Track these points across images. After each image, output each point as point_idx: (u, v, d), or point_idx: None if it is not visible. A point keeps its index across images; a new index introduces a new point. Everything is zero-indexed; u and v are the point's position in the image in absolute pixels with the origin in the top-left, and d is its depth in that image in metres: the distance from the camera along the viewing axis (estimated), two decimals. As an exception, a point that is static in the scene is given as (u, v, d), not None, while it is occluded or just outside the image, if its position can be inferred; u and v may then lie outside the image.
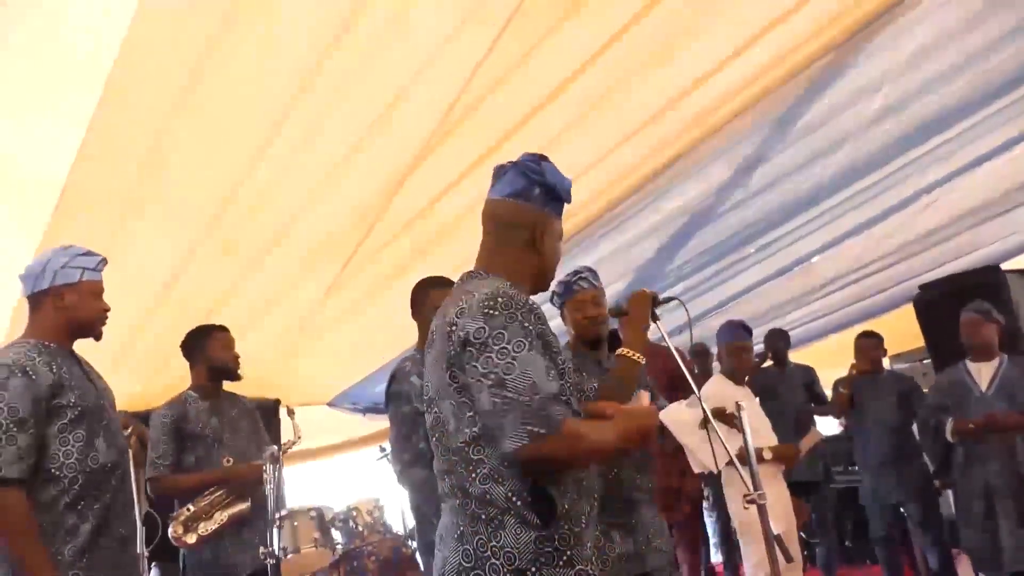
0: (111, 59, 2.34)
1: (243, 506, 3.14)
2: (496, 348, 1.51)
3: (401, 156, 3.45)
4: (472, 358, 1.53)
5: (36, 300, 2.36)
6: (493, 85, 3.10)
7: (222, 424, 3.29)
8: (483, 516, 1.53)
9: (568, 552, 1.54)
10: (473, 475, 1.55)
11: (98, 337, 2.43)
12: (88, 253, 2.39)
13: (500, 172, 1.77)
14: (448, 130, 3.32)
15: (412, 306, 3.00)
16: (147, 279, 3.75)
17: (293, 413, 3.17)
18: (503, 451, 1.50)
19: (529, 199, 1.72)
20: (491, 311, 1.54)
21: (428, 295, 2.88)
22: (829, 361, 6.97)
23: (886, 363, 5.33)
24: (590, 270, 2.69)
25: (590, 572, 1.57)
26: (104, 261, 2.42)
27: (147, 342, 4.20)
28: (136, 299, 3.79)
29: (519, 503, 1.52)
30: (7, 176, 2.85)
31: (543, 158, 1.74)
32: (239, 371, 3.39)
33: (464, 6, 2.68)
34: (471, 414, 1.55)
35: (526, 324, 1.54)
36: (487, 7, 2.72)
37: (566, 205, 1.82)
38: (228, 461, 3.22)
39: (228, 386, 3.47)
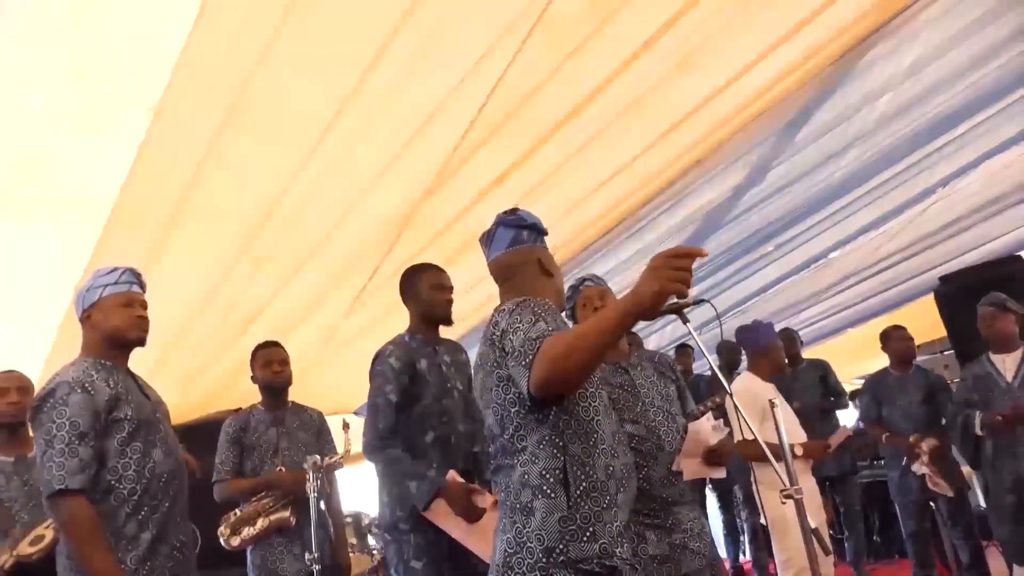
0: (162, 83, 2.44)
1: (284, 514, 3.24)
2: (513, 328, 1.75)
3: (429, 169, 3.55)
4: (507, 343, 1.76)
5: (82, 325, 2.47)
6: (520, 99, 3.19)
7: (279, 435, 3.41)
8: (518, 506, 1.72)
9: (591, 528, 1.68)
10: (515, 464, 1.75)
11: (141, 343, 2.48)
12: (112, 271, 2.46)
13: (487, 237, 2.06)
14: (477, 142, 3.41)
15: (402, 290, 3.04)
16: (186, 292, 3.86)
17: (348, 427, 3.26)
18: (525, 397, 1.71)
19: (524, 242, 2.02)
20: (516, 307, 1.81)
21: (420, 277, 2.98)
22: (848, 356, 7.00)
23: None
24: (594, 275, 2.87)
25: (615, 550, 1.69)
26: (127, 271, 2.47)
27: (185, 354, 4.31)
28: (176, 312, 3.89)
29: (551, 479, 1.69)
30: (58, 196, 2.96)
31: (515, 209, 2.05)
32: (282, 384, 3.48)
33: (493, 23, 2.77)
34: (511, 397, 1.76)
35: (536, 309, 1.78)
36: (515, 25, 2.80)
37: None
38: (281, 469, 3.34)
39: (293, 395, 3.59)
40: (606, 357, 2.58)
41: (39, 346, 3.61)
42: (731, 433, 3.32)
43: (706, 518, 5.66)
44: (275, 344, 3.54)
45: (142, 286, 2.51)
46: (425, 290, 2.95)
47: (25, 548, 2.52)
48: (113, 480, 2.29)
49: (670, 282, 1.52)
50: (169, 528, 2.38)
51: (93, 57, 2.41)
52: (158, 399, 2.58)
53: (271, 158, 3.13)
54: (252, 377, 3.51)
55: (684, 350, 6.08)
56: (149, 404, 2.47)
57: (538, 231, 2.04)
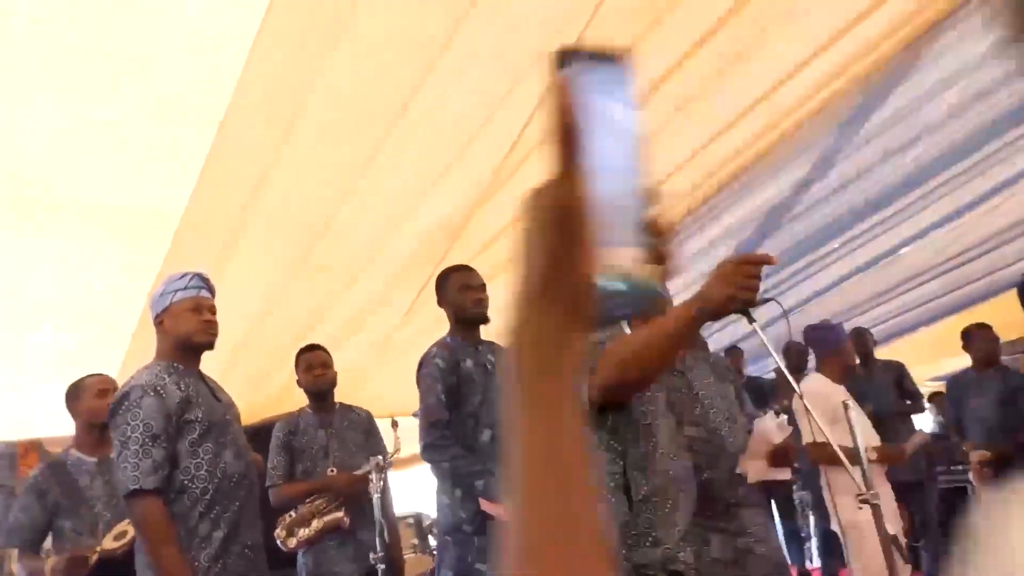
0: (225, 100, 2.52)
1: (338, 515, 3.26)
2: None
3: (480, 178, 3.56)
4: None
5: (156, 329, 2.54)
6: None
7: (329, 437, 3.43)
8: None
9: (653, 533, 1.66)
10: None
11: (209, 347, 2.54)
12: (182, 276, 2.52)
13: None
14: (528, 150, 3.41)
15: (436, 294, 3.08)
16: (249, 300, 3.96)
17: (396, 425, 3.28)
18: (586, 406, 1.64)
19: None
20: None
21: (448, 279, 3.01)
22: (920, 356, 6.73)
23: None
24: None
25: (678, 555, 1.68)
26: (196, 276, 2.53)
27: (250, 359, 4.42)
28: (240, 319, 4.00)
29: (611, 485, 1.67)
30: (130, 208, 3.08)
31: None
32: (325, 386, 3.48)
33: (544, 27, 2.76)
34: None
35: None
36: (565, 27, 2.79)
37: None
38: (332, 471, 3.35)
39: (341, 397, 3.60)
40: None
41: (115, 352, 3.75)
42: (799, 435, 3.22)
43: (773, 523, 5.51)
44: (317, 347, 3.55)
45: (211, 290, 2.57)
46: (453, 292, 2.98)
47: (109, 543, 2.61)
48: (186, 480, 2.35)
49: (740, 289, 1.50)
50: (240, 528, 2.43)
51: (160, 76, 2.51)
52: (230, 402, 2.63)
53: (328, 170, 3.21)
54: (297, 381, 3.53)
55: (735, 352, 5.91)
56: (220, 407, 2.53)
57: None
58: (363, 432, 3.56)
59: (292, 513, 3.31)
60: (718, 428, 2.56)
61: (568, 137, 0.51)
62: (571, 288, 0.50)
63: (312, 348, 3.54)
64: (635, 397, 1.75)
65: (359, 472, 3.20)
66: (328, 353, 3.56)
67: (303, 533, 3.26)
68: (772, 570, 2.53)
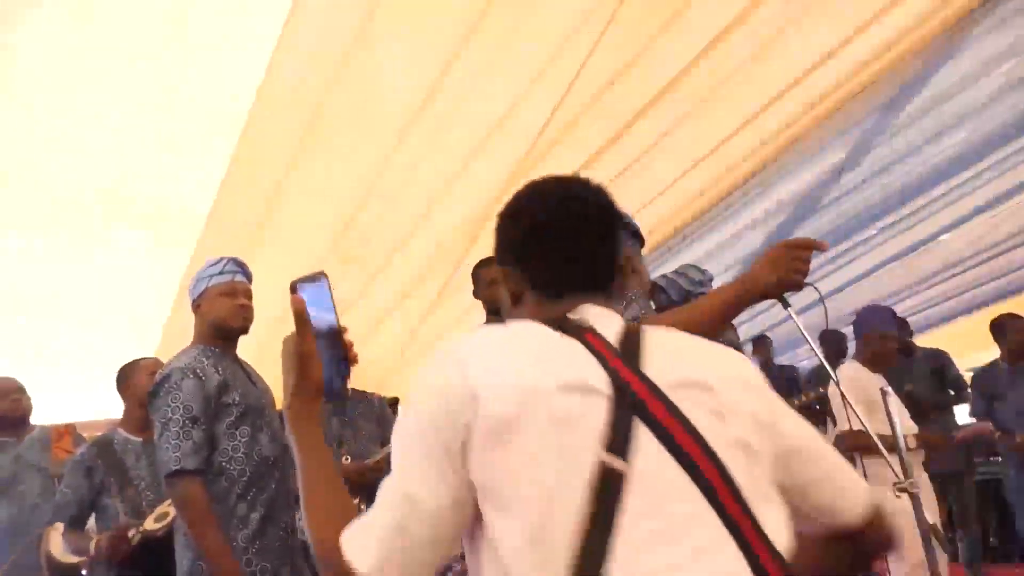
0: (249, 100, 2.56)
1: (353, 503, 3.26)
2: None
3: (505, 169, 3.56)
4: None
5: (194, 314, 2.58)
6: (598, 89, 3.15)
7: (343, 426, 3.44)
8: None
9: None
10: None
11: (244, 331, 2.56)
12: (217, 261, 2.55)
13: None
14: (553, 140, 3.40)
15: (473, 284, 3.07)
16: (277, 295, 4.00)
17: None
18: None
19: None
20: None
21: (479, 274, 2.99)
22: (959, 346, 6.58)
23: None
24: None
25: None
26: (231, 261, 2.55)
27: (276, 356, 4.47)
28: (267, 313, 4.04)
29: None
30: (156, 209, 3.15)
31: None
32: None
33: (568, 16, 2.74)
34: None
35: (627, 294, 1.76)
36: (591, 16, 2.77)
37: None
38: (346, 459, 3.36)
39: (356, 383, 3.57)
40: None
41: (147, 343, 3.82)
42: (835, 423, 3.18)
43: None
44: None
45: (247, 276, 2.60)
46: (483, 288, 2.97)
47: (151, 524, 2.66)
48: (224, 462, 2.39)
49: (790, 273, 1.49)
50: (276, 510, 2.46)
51: (187, 79, 2.56)
52: (266, 387, 2.67)
53: (352, 167, 3.25)
54: None
55: (763, 341, 5.81)
56: (256, 391, 2.56)
57: (630, 231, 2.03)
58: (374, 420, 3.54)
59: None
60: None
61: (302, 327, 1.06)
62: (301, 389, 1.06)
63: None
64: None
65: (371, 460, 3.20)
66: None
67: None
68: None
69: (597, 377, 0.88)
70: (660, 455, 0.85)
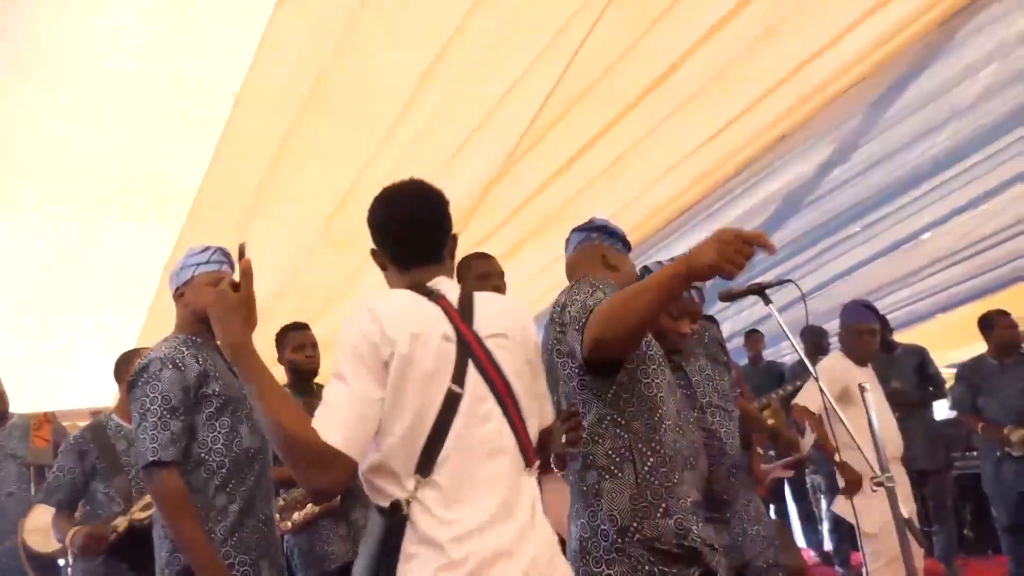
0: (243, 71, 2.51)
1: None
2: (571, 300, 1.83)
3: (502, 150, 3.53)
4: (565, 315, 1.84)
5: (175, 303, 2.55)
6: (595, 75, 3.13)
7: None
8: (586, 489, 1.73)
9: (663, 504, 1.69)
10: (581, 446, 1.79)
11: None
12: (203, 250, 2.51)
13: (566, 245, 2.19)
14: (549, 123, 3.38)
15: (458, 278, 3.03)
16: (268, 276, 3.97)
17: None
18: (583, 369, 1.78)
19: (592, 241, 2.11)
20: (576, 283, 1.90)
21: (470, 266, 2.93)
22: (939, 342, 6.65)
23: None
24: (660, 262, 2.80)
25: (691, 527, 1.70)
26: (218, 251, 2.51)
27: (267, 336, 4.44)
28: (257, 295, 4.02)
29: (616, 458, 1.71)
30: (143, 184, 3.10)
31: (592, 220, 2.19)
32: (313, 368, 3.35)
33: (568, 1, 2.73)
34: (568, 373, 1.83)
35: (595, 283, 1.84)
36: (587, 4, 2.75)
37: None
38: None
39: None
40: (665, 342, 2.47)
41: (132, 327, 3.79)
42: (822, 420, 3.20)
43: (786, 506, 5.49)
44: (305, 326, 3.42)
45: (232, 266, 2.57)
46: (472, 279, 2.93)
47: (138, 513, 2.65)
48: (203, 453, 2.36)
49: (725, 260, 1.50)
50: (255, 502, 2.44)
51: (176, 49, 2.50)
52: (247, 377, 2.65)
53: (347, 144, 3.20)
54: (279, 359, 3.39)
55: (754, 336, 5.88)
56: (237, 382, 2.53)
57: (607, 232, 2.09)
58: None
59: (284, 498, 3.23)
60: (717, 429, 2.57)
61: (248, 280, 1.42)
62: (249, 328, 1.42)
63: (301, 327, 3.38)
64: (639, 370, 1.78)
65: None
66: (314, 335, 3.40)
67: (298, 516, 3.23)
68: (766, 546, 2.57)
69: (450, 330, 1.41)
70: (479, 382, 1.40)
